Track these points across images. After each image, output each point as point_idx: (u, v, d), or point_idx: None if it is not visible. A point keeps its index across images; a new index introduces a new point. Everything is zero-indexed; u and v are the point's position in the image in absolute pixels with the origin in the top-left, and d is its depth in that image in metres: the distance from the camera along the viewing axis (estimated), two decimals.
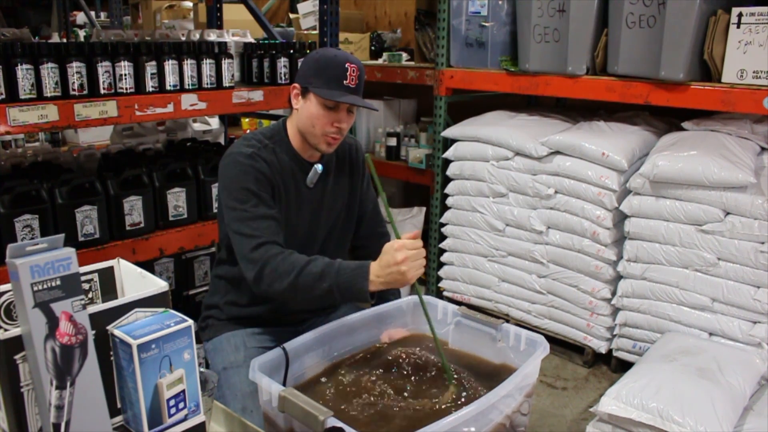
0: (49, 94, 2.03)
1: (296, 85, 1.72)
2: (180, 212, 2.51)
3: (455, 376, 1.55)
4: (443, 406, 1.46)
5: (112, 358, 1.01)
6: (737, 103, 2.43)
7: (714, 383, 2.16)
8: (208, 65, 2.41)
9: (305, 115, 1.69)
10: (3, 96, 1.95)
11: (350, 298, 1.53)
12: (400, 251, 1.45)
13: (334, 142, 1.72)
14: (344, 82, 1.64)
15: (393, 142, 3.88)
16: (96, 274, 1.15)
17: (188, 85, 2.37)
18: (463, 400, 1.48)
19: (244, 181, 1.66)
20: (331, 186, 1.84)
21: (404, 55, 4.05)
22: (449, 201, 3.40)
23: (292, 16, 5.05)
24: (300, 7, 4.69)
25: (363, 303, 1.54)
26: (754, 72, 2.39)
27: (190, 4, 5.48)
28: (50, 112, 2.01)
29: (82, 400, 0.94)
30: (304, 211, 1.79)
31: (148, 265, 2.57)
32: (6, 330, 0.93)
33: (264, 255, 1.58)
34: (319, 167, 1.78)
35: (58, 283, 0.90)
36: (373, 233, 2.01)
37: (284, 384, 1.47)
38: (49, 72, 2.02)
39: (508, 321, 2.51)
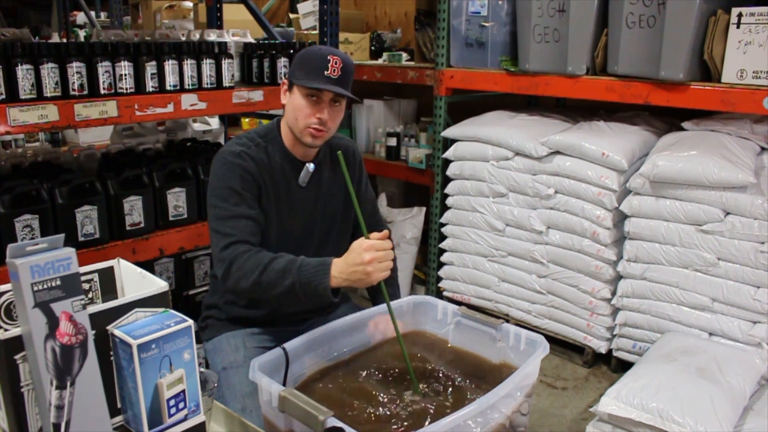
0: (49, 94, 2.03)
1: (284, 81, 1.75)
2: (180, 212, 2.52)
3: (419, 387, 1.53)
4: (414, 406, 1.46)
5: (112, 358, 1.01)
6: (737, 103, 2.43)
7: (714, 383, 2.16)
8: (208, 65, 2.41)
9: (290, 108, 1.71)
10: (3, 96, 1.95)
11: (312, 295, 1.51)
12: (369, 252, 1.45)
13: (318, 134, 1.70)
14: (325, 72, 1.64)
15: (393, 142, 3.88)
16: (96, 274, 1.15)
17: (188, 85, 2.37)
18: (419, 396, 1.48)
19: (228, 179, 1.67)
20: (326, 186, 1.84)
21: (404, 55, 4.05)
22: (449, 201, 3.40)
23: (292, 16, 5.05)
24: (300, 7, 4.69)
25: (325, 300, 1.51)
26: (754, 72, 2.39)
27: (190, 4, 5.48)
28: (50, 112, 2.01)
29: (82, 400, 0.94)
30: (297, 211, 1.79)
31: (148, 265, 2.57)
32: (6, 330, 0.93)
33: (232, 253, 1.59)
34: (310, 166, 1.77)
35: (58, 283, 0.90)
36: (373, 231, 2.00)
37: (284, 384, 1.47)
38: (49, 72, 2.02)
39: (508, 321, 2.51)
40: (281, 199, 1.76)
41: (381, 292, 1.56)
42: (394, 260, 1.75)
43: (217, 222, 1.65)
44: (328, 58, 1.64)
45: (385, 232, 1.52)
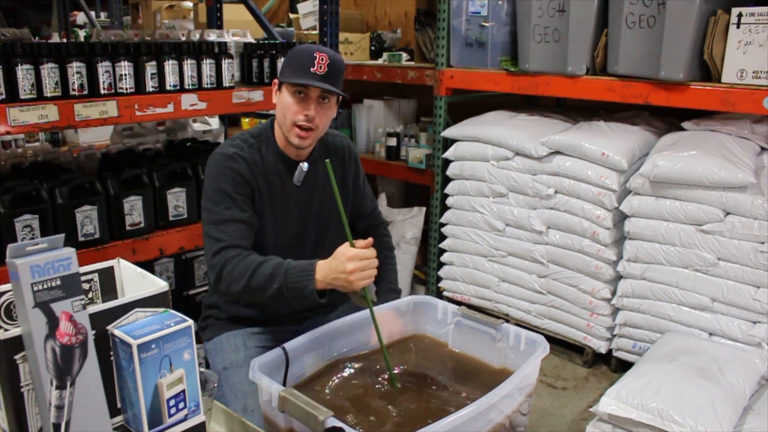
0: (49, 94, 2.03)
1: (275, 81, 1.75)
2: (180, 212, 2.51)
3: (398, 385, 1.55)
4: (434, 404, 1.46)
5: (112, 358, 1.01)
6: (737, 103, 2.43)
7: (714, 383, 2.16)
8: (208, 65, 2.41)
9: (279, 107, 1.72)
10: (3, 96, 1.95)
11: (299, 297, 1.54)
12: (352, 261, 1.46)
13: (306, 135, 1.69)
14: (311, 69, 1.63)
15: (393, 142, 3.87)
16: (96, 274, 1.15)
17: (188, 85, 2.37)
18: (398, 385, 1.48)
19: (220, 182, 1.68)
20: (320, 184, 1.84)
21: (404, 55, 4.05)
22: (449, 201, 3.40)
23: (292, 16, 5.05)
24: (300, 7, 4.69)
25: (313, 302, 1.53)
26: (753, 72, 2.39)
27: (190, 4, 5.48)
28: (50, 112, 2.01)
29: (82, 400, 0.94)
30: (292, 210, 1.79)
31: (148, 265, 2.57)
32: (6, 330, 0.93)
33: (222, 259, 1.61)
34: (304, 165, 1.78)
35: (58, 283, 0.90)
36: (372, 226, 2.02)
37: (284, 384, 1.47)
38: (49, 72, 2.02)
39: (508, 321, 2.51)
40: (276, 200, 1.76)
41: (365, 297, 1.57)
42: (392, 255, 1.75)
43: (209, 226, 1.67)
44: (314, 54, 1.64)
45: (370, 240, 1.52)
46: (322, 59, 1.64)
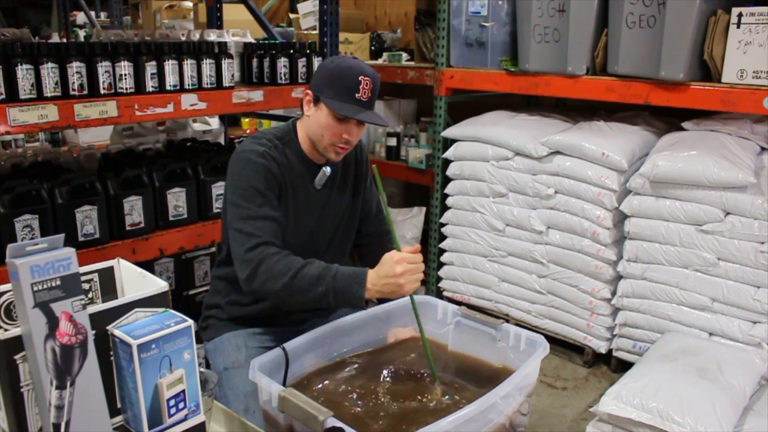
0: (49, 94, 2.03)
1: (308, 92, 1.72)
2: (180, 212, 2.51)
3: (440, 379, 1.56)
4: (432, 405, 1.46)
5: (112, 358, 1.01)
6: (737, 103, 2.43)
7: (714, 383, 2.16)
8: (208, 65, 2.41)
9: (315, 123, 1.70)
10: (3, 96, 1.95)
11: (345, 303, 1.54)
12: (401, 264, 1.47)
13: (342, 152, 1.73)
14: (356, 95, 1.63)
15: (393, 142, 3.88)
16: (96, 274, 1.15)
17: (188, 85, 2.37)
18: (447, 399, 1.49)
19: (253, 179, 1.66)
20: (337, 187, 1.85)
21: (404, 55, 4.05)
22: (449, 201, 3.40)
23: (292, 16, 5.05)
24: (300, 7, 4.69)
25: (355, 307, 1.55)
26: (754, 72, 2.39)
27: (190, 4, 5.48)
28: (50, 112, 2.01)
29: (82, 400, 0.94)
30: (311, 212, 1.80)
31: (148, 265, 2.57)
32: (6, 330, 0.93)
33: (260, 255, 1.58)
34: (327, 169, 1.79)
35: (58, 283, 0.90)
36: (376, 231, 2.02)
37: (284, 384, 1.47)
38: (49, 72, 2.02)
39: (508, 321, 2.51)
40: (298, 201, 1.77)
41: (411, 303, 1.58)
42: None
43: (240, 222, 1.63)
44: (359, 79, 1.63)
45: (417, 246, 1.54)
46: (367, 84, 1.64)
